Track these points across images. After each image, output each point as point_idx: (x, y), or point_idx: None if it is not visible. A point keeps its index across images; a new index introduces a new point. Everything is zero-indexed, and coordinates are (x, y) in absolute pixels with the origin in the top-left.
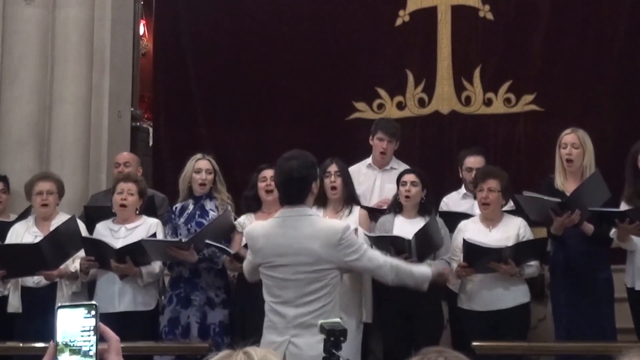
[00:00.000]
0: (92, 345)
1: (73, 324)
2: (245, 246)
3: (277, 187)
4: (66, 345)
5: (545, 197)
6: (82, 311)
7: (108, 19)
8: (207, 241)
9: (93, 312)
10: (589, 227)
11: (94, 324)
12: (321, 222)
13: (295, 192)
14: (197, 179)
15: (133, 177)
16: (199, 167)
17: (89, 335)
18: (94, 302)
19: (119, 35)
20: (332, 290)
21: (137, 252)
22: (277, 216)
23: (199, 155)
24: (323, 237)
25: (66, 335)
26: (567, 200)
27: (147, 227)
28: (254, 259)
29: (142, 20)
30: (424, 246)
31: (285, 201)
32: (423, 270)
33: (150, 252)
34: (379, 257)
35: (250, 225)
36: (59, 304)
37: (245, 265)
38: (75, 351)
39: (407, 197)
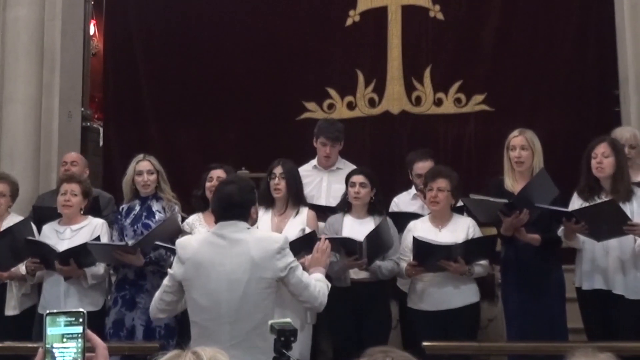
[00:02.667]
0: (79, 352)
1: (61, 330)
2: None
3: (213, 211)
4: (50, 352)
5: (492, 199)
6: (69, 318)
7: (58, 18)
8: (157, 243)
9: (81, 319)
10: (535, 239)
11: (81, 331)
12: (260, 232)
13: (234, 215)
14: (139, 180)
15: (77, 178)
16: (140, 169)
17: (76, 342)
18: (81, 310)
19: (69, 35)
20: (267, 307)
21: (81, 254)
22: (212, 229)
23: (140, 157)
24: (262, 245)
25: (54, 341)
26: (514, 200)
27: (92, 227)
28: (181, 272)
29: (92, 20)
30: (374, 248)
31: (222, 220)
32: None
33: (96, 255)
34: (309, 278)
35: (184, 237)
36: (48, 310)
37: (165, 286)
38: (62, 357)
39: (356, 198)
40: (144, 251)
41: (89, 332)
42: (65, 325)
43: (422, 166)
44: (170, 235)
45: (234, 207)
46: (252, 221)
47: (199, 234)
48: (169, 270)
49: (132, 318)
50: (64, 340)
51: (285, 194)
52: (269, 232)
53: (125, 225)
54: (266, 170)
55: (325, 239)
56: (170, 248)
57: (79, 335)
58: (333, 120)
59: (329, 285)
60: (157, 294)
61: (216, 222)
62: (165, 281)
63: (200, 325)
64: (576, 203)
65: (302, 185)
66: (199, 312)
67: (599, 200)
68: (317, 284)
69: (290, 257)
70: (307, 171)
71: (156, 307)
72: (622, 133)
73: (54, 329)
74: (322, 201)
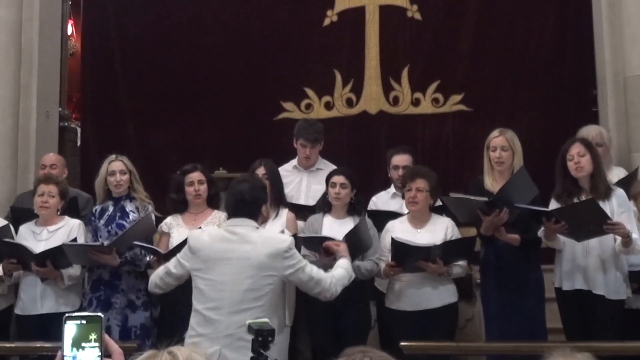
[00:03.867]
0: (97, 357)
1: (79, 335)
2: (174, 250)
3: (226, 208)
4: (72, 357)
5: (472, 197)
6: (87, 323)
7: (36, 19)
8: (135, 242)
9: (98, 324)
10: (515, 239)
11: (98, 336)
12: (268, 233)
13: (246, 212)
14: (111, 181)
15: (54, 179)
16: (113, 169)
17: (93, 347)
18: (99, 314)
19: (47, 36)
20: (267, 304)
21: (57, 256)
22: (224, 225)
23: (112, 157)
24: (269, 244)
25: (72, 345)
26: (494, 199)
27: (69, 228)
28: (191, 261)
29: (70, 21)
30: (353, 247)
31: (235, 216)
32: (345, 264)
33: (71, 256)
34: (319, 273)
35: (195, 230)
36: (67, 315)
37: (169, 270)
38: None
39: (336, 198)
40: (119, 251)
41: (106, 337)
42: (83, 330)
43: (400, 159)
44: (145, 234)
45: (245, 205)
46: (263, 218)
47: (212, 228)
48: (178, 256)
49: (107, 318)
50: (82, 344)
51: (269, 194)
52: (276, 232)
53: (99, 226)
54: (243, 170)
55: (305, 237)
56: (147, 247)
57: (97, 339)
58: (313, 121)
59: (352, 275)
60: (160, 271)
61: (229, 218)
62: (172, 267)
63: (201, 313)
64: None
65: (283, 186)
66: (203, 301)
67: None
68: (332, 275)
69: (296, 258)
70: (287, 171)
71: (155, 283)
72: (588, 132)
73: (72, 333)
74: (301, 201)
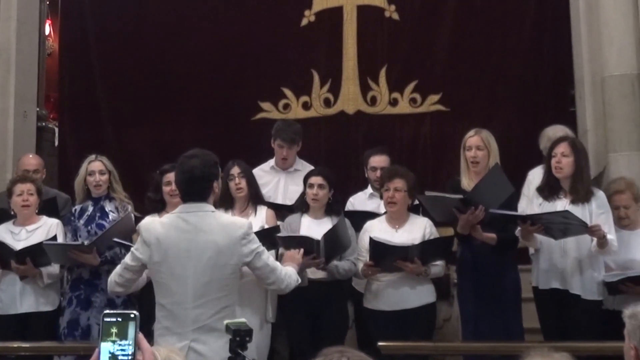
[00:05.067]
0: (130, 355)
1: (115, 332)
2: None
3: (177, 184)
4: (109, 352)
5: (448, 195)
6: (123, 320)
7: (14, 18)
8: (115, 239)
9: (133, 322)
10: (491, 238)
11: (133, 334)
12: (224, 217)
13: (197, 190)
14: (91, 181)
15: (30, 177)
16: (92, 169)
17: (127, 345)
18: (134, 312)
19: (24, 35)
20: (231, 292)
21: (37, 254)
22: (177, 211)
23: (92, 157)
24: (227, 231)
25: (109, 342)
26: (469, 196)
27: (47, 228)
28: (145, 254)
29: (48, 20)
30: (332, 247)
31: (187, 199)
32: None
33: (52, 255)
34: (275, 263)
35: (146, 218)
36: (105, 311)
37: (126, 264)
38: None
39: (314, 200)
40: (99, 250)
41: (140, 335)
42: (119, 326)
43: (378, 160)
44: (125, 234)
45: (196, 182)
46: (215, 196)
47: (165, 217)
48: (132, 249)
49: (87, 317)
50: (118, 341)
51: (247, 192)
52: (233, 217)
53: (79, 226)
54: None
55: (284, 237)
56: (126, 245)
57: (132, 337)
58: (290, 122)
59: (299, 280)
60: (117, 269)
61: (181, 196)
62: (128, 260)
63: (166, 308)
64: (535, 201)
65: (258, 184)
66: (166, 294)
67: (557, 202)
68: (285, 268)
69: (255, 243)
70: (264, 171)
71: (114, 281)
72: (555, 132)
73: (108, 330)
74: (278, 202)
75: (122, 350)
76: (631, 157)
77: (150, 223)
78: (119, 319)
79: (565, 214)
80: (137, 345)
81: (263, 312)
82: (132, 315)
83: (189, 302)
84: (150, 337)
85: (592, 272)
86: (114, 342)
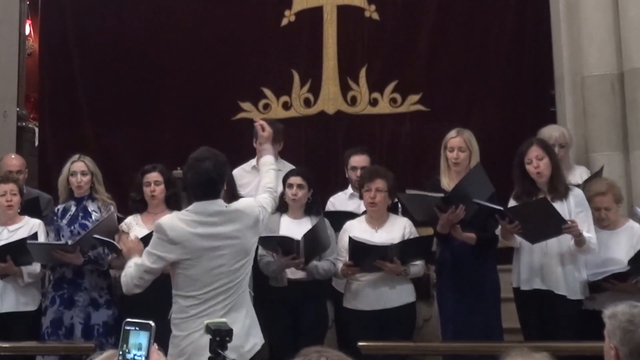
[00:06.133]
0: None
1: (132, 340)
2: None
3: (190, 186)
4: (124, 358)
5: (428, 194)
6: (140, 330)
7: None
8: (95, 236)
9: (149, 332)
10: (471, 237)
11: (148, 343)
12: (238, 205)
13: (211, 191)
14: (72, 181)
15: (12, 177)
16: (74, 170)
17: (141, 354)
18: (150, 322)
19: (4, 35)
20: (249, 271)
21: (18, 252)
22: (192, 209)
23: (75, 157)
24: (248, 218)
25: (129, 349)
26: (450, 195)
27: (29, 228)
28: (176, 253)
29: (28, 20)
30: (311, 247)
31: (201, 199)
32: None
33: (34, 255)
34: (259, 200)
35: (164, 218)
36: (127, 319)
37: (148, 268)
38: None
39: (294, 200)
40: (82, 250)
41: (153, 346)
42: (136, 336)
43: (358, 159)
44: (108, 233)
45: (213, 185)
46: (222, 194)
47: (179, 214)
48: (156, 252)
49: (70, 316)
50: (134, 350)
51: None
52: (242, 203)
53: (61, 226)
54: None
55: (263, 237)
56: (107, 242)
57: (146, 346)
58: (272, 121)
59: (276, 168)
60: (135, 272)
61: (194, 196)
62: (150, 263)
63: (196, 297)
64: None
65: (235, 183)
66: (199, 287)
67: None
68: (269, 196)
69: (262, 214)
70: (245, 171)
71: (133, 284)
72: (550, 132)
73: (127, 337)
74: None
75: (136, 357)
76: (611, 157)
77: (173, 222)
78: (137, 328)
79: (544, 203)
80: (149, 356)
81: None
82: (148, 325)
83: (220, 289)
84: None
85: (573, 271)
86: (129, 350)
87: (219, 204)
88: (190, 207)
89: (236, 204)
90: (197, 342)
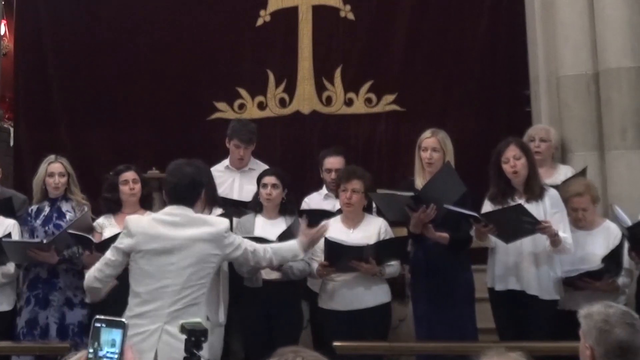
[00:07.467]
0: None
1: (103, 337)
2: (108, 242)
3: (170, 188)
4: (95, 356)
5: (399, 193)
6: (111, 327)
7: None
8: (70, 231)
9: (122, 330)
10: (444, 237)
11: (121, 341)
12: (206, 217)
13: (188, 195)
14: (50, 182)
15: None
16: (52, 171)
17: (114, 353)
18: (123, 320)
19: None
20: (207, 282)
21: None
22: (162, 211)
23: (51, 158)
24: (211, 228)
25: (99, 347)
26: (420, 193)
27: (3, 228)
28: (131, 243)
29: (3, 21)
30: None
31: (175, 202)
32: (291, 244)
33: (10, 253)
34: (253, 244)
35: (132, 216)
36: (96, 316)
37: (107, 260)
38: None
39: (268, 199)
40: (57, 249)
41: (127, 345)
42: (107, 333)
43: (333, 161)
44: (82, 231)
45: (190, 186)
46: (200, 201)
47: (152, 215)
48: (115, 245)
49: (45, 316)
50: (106, 347)
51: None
52: (214, 218)
53: (36, 226)
54: None
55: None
56: (81, 236)
57: (118, 344)
58: (246, 121)
59: (299, 254)
60: (98, 265)
61: (170, 198)
62: (109, 255)
63: (143, 294)
64: (489, 209)
65: (216, 185)
66: (147, 282)
67: (512, 204)
68: (266, 248)
69: (233, 236)
70: (219, 171)
71: (93, 276)
72: (535, 131)
73: (97, 335)
74: None
75: (108, 357)
76: (586, 157)
77: (137, 217)
78: (107, 325)
79: (519, 208)
80: (122, 353)
81: (215, 315)
82: (121, 323)
83: (170, 288)
84: None
85: (548, 271)
86: (101, 347)
87: (189, 211)
88: (163, 210)
89: (207, 216)
90: (138, 346)
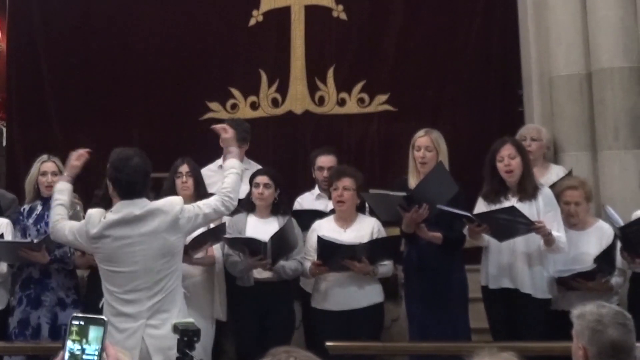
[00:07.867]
0: (95, 358)
1: (82, 336)
2: None
3: (117, 183)
4: (73, 355)
5: (391, 193)
6: (91, 325)
7: None
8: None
9: (102, 327)
10: (437, 237)
11: (101, 339)
12: (158, 203)
13: (140, 187)
14: (43, 181)
15: None
16: (45, 170)
17: (94, 350)
18: (103, 317)
19: None
20: (178, 266)
21: None
22: (117, 210)
23: (44, 157)
24: (166, 216)
25: (74, 346)
26: (412, 193)
27: None
28: (90, 246)
29: None
30: (279, 248)
31: (128, 196)
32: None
33: (0, 253)
34: (207, 204)
35: (94, 211)
36: (74, 314)
37: (71, 230)
38: None
39: (260, 199)
40: (48, 249)
41: (107, 343)
42: (85, 331)
43: (325, 160)
44: None
45: (141, 178)
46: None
47: (107, 215)
48: (77, 233)
49: (37, 316)
50: (84, 345)
51: (192, 192)
52: (162, 201)
53: (28, 225)
54: (168, 170)
55: (230, 238)
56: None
57: (98, 342)
58: (240, 121)
59: (240, 172)
60: (67, 226)
61: (122, 193)
62: (76, 230)
63: (119, 297)
64: (482, 208)
65: (205, 184)
66: (118, 284)
67: (505, 202)
68: (216, 199)
69: (189, 211)
70: (212, 171)
71: (55, 220)
72: (527, 131)
73: (74, 333)
74: None
75: (88, 354)
76: (579, 157)
77: (95, 220)
78: (86, 323)
79: (512, 210)
80: (103, 350)
81: (210, 314)
82: (101, 321)
83: (143, 290)
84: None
85: (541, 270)
86: (80, 345)
87: (143, 202)
88: (115, 207)
89: (156, 203)
90: (121, 344)
